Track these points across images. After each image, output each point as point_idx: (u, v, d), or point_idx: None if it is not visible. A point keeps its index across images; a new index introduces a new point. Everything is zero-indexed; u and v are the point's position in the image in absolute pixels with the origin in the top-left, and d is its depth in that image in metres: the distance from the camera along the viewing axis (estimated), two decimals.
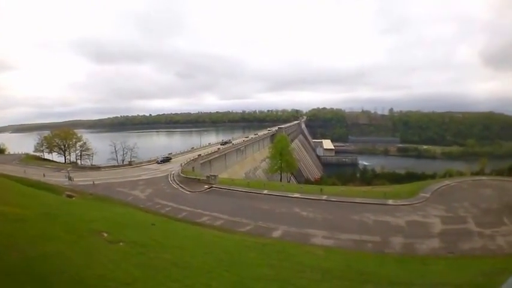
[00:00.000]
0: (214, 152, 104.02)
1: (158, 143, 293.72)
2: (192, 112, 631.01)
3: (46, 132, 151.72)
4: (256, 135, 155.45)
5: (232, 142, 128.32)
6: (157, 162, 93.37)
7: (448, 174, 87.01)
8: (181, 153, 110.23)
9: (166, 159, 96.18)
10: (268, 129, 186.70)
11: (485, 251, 30.69)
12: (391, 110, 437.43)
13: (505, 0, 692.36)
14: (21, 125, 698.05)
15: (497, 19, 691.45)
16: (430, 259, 27.75)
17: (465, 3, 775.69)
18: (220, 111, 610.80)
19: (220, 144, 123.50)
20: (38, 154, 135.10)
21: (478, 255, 29.58)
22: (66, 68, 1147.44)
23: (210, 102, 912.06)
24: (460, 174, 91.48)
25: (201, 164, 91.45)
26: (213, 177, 64.69)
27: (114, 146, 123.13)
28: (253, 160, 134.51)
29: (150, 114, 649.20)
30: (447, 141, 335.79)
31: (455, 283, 19.14)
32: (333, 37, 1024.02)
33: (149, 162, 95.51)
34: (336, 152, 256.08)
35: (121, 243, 17.73)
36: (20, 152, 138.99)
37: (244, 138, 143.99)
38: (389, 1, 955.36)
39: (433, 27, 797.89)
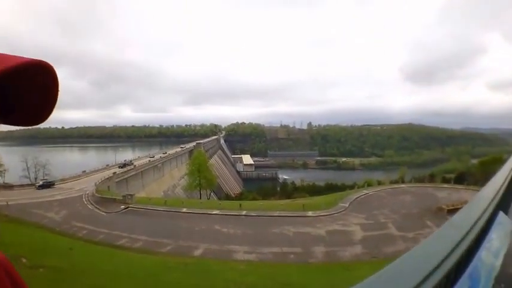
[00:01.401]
0: (130, 169, 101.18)
1: (72, 159, 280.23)
2: (107, 125, 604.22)
3: None
4: (166, 154, 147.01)
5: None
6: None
7: (367, 184, 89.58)
8: (96, 171, 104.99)
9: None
10: (181, 146, 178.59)
11: None
12: (309, 124, 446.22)
13: (427, 19, 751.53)
14: None
15: (420, 37, 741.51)
16: (354, 265, 28.72)
17: (385, 21, 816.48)
18: (136, 125, 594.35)
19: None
20: None
21: None
22: None
23: (127, 115, 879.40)
24: (379, 183, 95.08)
25: (117, 182, 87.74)
26: (129, 197, 63.26)
27: (26, 162, 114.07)
28: (172, 178, 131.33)
29: (63, 127, 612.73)
30: (366, 153, 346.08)
31: None
32: (253, 52, 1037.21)
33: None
34: (255, 167, 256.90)
35: (41, 269, 16.87)
36: None
37: (149, 158, 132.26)
38: (313, 18, 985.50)
39: (354, 43, 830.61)
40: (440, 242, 2.09)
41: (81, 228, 46.92)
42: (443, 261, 1.64)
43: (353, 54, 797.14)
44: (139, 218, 52.86)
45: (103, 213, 56.35)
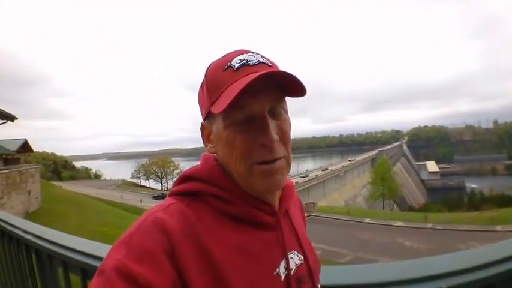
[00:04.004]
0: (313, 178, 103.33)
1: None
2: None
3: (142, 160, 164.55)
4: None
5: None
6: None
7: None
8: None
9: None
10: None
11: None
12: (495, 122, 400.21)
13: None
14: (115, 153, 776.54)
15: None
16: None
17: None
18: (316, 135, 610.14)
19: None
20: (134, 180, 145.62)
21: None
22: (161, 100, 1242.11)
23: (305, 127, 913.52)
24: None
25: (298, 191, 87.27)
26: (311, 205, 65.82)
27: None
28: (353, 187, 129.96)
29: None
30: None
31: None
32: (418, 49, 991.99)
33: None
34: (441, 175, 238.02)
35: None
36: (115, 178, 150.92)
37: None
38: (473, 5, 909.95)
39: None
40: None
41: None
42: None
43: None
44: (320, 227, 53.30)
45: None
